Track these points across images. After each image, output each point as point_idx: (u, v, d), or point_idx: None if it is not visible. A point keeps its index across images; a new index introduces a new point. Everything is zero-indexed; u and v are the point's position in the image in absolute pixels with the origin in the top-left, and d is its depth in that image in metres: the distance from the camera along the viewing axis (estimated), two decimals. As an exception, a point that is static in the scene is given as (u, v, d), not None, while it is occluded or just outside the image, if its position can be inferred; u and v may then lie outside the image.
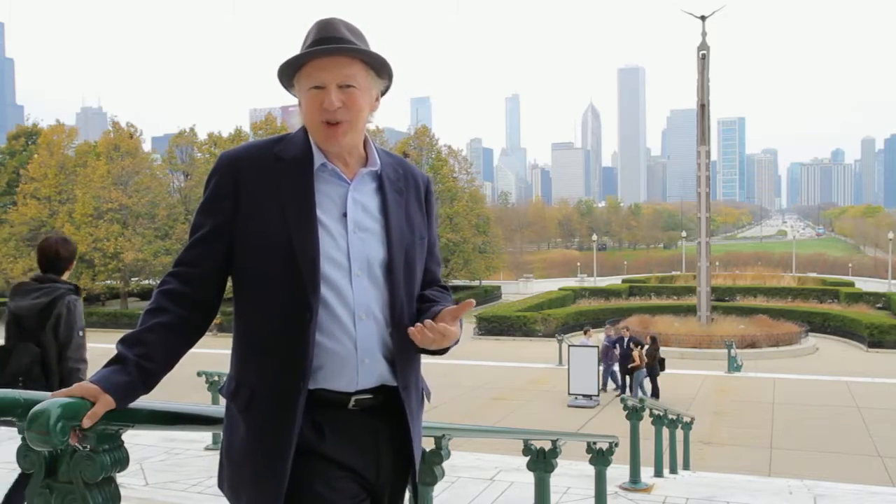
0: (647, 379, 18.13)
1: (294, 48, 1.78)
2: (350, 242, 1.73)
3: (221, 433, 1.79)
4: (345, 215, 1.75)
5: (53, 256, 4.25)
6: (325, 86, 1.71)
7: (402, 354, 1.77)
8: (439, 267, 2.00)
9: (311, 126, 1.76)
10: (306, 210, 1.71)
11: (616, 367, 18.86)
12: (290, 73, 1.76)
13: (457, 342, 1.79)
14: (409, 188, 1.88)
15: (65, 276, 4.28)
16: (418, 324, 1.70)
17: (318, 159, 1.76)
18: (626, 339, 18.43)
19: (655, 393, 17.71)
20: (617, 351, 18.72)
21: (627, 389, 17.82)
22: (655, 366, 18.23)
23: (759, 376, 21.29)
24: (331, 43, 1.71)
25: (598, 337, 20.01)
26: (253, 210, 1.71)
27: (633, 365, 17.89)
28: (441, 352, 1.76)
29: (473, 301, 1.82)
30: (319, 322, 1.68)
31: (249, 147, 1.81)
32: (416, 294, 1.84)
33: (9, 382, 3.96)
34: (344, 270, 1.72)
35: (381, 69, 1.78)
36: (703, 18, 35.02)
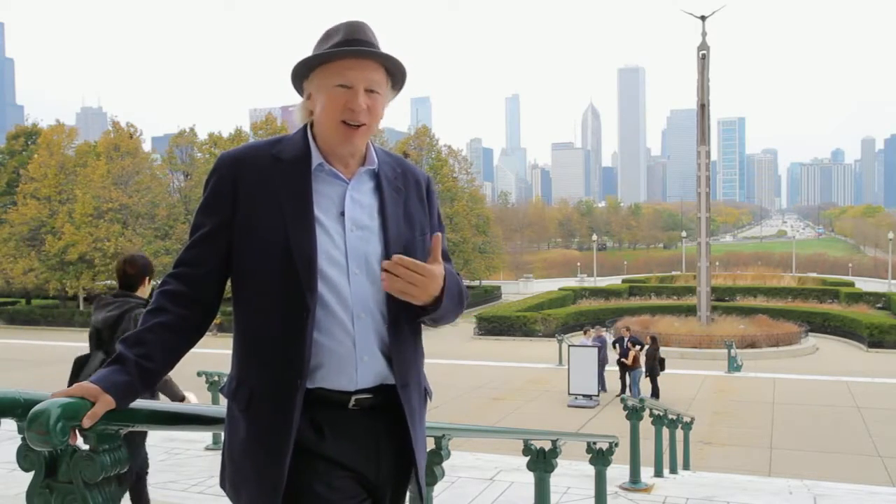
0: (647, 379, 18.11)
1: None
2: (348, 241, 1.73)
3: (222, 433, 1.80)
4: (342, 214, 1.75)
5: (122, 275, 4.73)
6: (352, 86, 1.72)
7: (401, 351, 1.77)
8: (450, 263, 1.97)
9: (328, 123, 1.75)
10: (303, 209, 1.71)
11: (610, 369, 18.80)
12: (312, 67, 1.76)
13: (463, 296, 1.79)
14: (408, 186, 1.88)
15: (141, 291, 4.71)
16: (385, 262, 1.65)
17: (316, 159, 1.77)
18: (625, 339, 18.41)
19: (655, 393, 17.69)
20: (617, 351, 18.70)
21: (627, 389, 17.79)
22: (655, 366, 18.21)
23: (759, 376, 21.28)
24: (362, 45, 1.72)
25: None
26: (251, 210, 1.72)
27: (624, 361, 17.84)
28: (434, 307, 1.70)
29: (439, 234, 1.78)
30: (317, 321, 1.68)
31: (248, 148, 1.82)
32: None
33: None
34: (342, 269, 1.72)
35: (399, 81, 1.82)
36: (703, 18, 35.03)
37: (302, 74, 1.79)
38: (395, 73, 1.79)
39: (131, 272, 4.67)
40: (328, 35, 1.77)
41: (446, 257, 1.97)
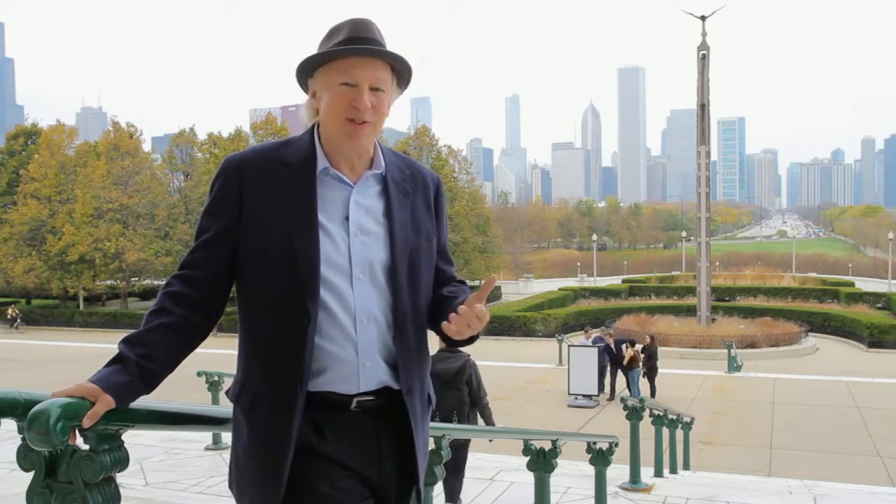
0: (646, 378, 18.09)
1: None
2: (351, 245, 1.73)
3: (222, 433, 1.80)
4: (347, 218, 1.74)
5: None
6: (357, 84, 1.70)
7: (405, 358, 1.76)
8: (452, 266, 1.98)
9: (333, 121, 1.74)
10: (307, 214, 1.70)
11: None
12: (316, 65, 1.75)
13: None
14: (416, 189, 1.86)
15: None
16: (452, 314, 1.69)
17: (321, 163, 1.75)
18: (611, 343, 18.30)
19: (652, 393, 17.67)
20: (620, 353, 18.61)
21: (613, 392, 17.82)
22: (655, 365, 18.18)
23: (759, 376, 21.29)
24: (367, 43, 1.71)
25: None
26: (256, 214, 1.71)
27: (629, 357, 17.81)
28: (471, 340, 1.77)
29: (495, 277, 1.84)
30: (320, 326, 1.68)
31: (254, 151, 1.81)
32: (423, 297, 1.83)
33: (447, 413, 6.45)
34: (345, 274, 1.71)
35: (404, 79, 1.80)
36: (703, 18, 35.02)
37: (306, 72, 1.77)
38: (401, 72, 1.78)
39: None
40: (333, 32, 1.75)
41: (448, 260, 1.97)
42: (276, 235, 1.69)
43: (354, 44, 1.70)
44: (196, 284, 1.72)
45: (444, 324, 1.71)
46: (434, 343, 1.93)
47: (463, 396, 6.53)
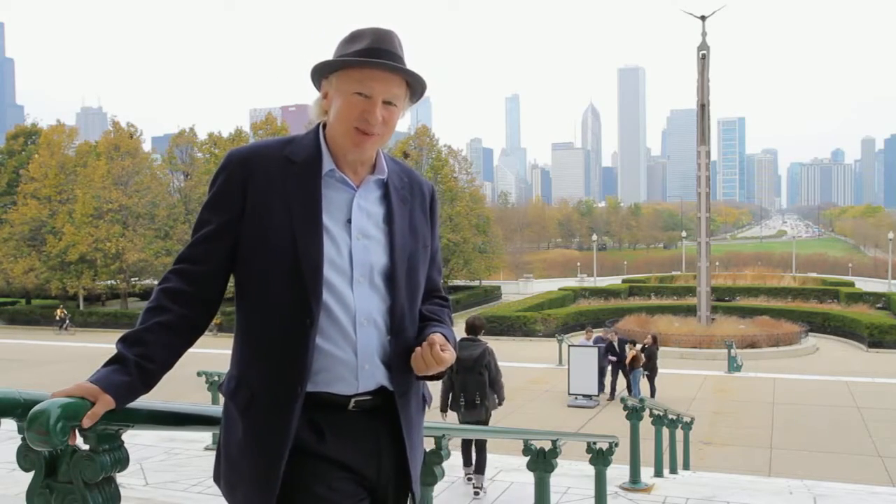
0: (646, 379, 18.08)
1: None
2: (353, 249, 1.73)
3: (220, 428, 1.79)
4: (349, 222, 1.75)
5: (472, 328, 7.61)
6: (371, 97, 1.71)
7: (401, 361, 1.77)
8: (440, 275, 2.01)
9: (341, 128, 1.74)
10: (312, 215, 1.70)
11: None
12: (333, 68, 1.75)
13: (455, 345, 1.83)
14: (414, 196, 1.88)
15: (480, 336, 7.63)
16: (417, 348, 1.74)
17: (328, 164, 1.76)
18: (615, 342, 18.30)
19: (652, 393, 17.66)
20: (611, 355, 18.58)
21: (613, 392, 17.81)
22: (655, 365, 18.17)
23: (759, 376, 21.29)
24: (387, 57, 1.71)
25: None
26: (259, 211, 1.71)
27: (630, 357, 17.80)
28: (437, 377, 1.79)
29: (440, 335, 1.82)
30: (320, 327, 1.68)
31: (258, 147, 1.80)
32: (418, 302, 1.85)
33: (472, 397, 7.36)
34: (346, 276, 1.72)
35: (417, 94, 1.81)
36: (703, 18, 35.02)
37: (322, 72, 1.78)
38: (416, 88, 1.79)
39: (479, 325, 7.64)
40: (354, 37, 1.75)
41: (438, 269, 1.99)
42: (279, 234, 1.68)
43: (375, 55, 1.70)
44: (194, 279, 1.71)
45: (411, 360, 1.76)
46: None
47: (484, 380, 7.34)
